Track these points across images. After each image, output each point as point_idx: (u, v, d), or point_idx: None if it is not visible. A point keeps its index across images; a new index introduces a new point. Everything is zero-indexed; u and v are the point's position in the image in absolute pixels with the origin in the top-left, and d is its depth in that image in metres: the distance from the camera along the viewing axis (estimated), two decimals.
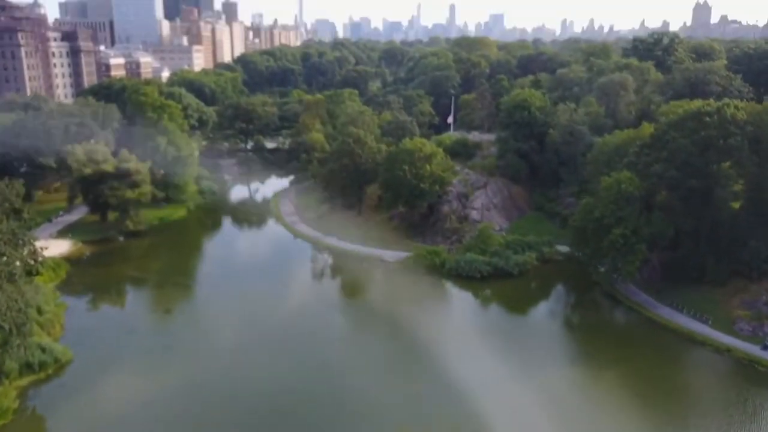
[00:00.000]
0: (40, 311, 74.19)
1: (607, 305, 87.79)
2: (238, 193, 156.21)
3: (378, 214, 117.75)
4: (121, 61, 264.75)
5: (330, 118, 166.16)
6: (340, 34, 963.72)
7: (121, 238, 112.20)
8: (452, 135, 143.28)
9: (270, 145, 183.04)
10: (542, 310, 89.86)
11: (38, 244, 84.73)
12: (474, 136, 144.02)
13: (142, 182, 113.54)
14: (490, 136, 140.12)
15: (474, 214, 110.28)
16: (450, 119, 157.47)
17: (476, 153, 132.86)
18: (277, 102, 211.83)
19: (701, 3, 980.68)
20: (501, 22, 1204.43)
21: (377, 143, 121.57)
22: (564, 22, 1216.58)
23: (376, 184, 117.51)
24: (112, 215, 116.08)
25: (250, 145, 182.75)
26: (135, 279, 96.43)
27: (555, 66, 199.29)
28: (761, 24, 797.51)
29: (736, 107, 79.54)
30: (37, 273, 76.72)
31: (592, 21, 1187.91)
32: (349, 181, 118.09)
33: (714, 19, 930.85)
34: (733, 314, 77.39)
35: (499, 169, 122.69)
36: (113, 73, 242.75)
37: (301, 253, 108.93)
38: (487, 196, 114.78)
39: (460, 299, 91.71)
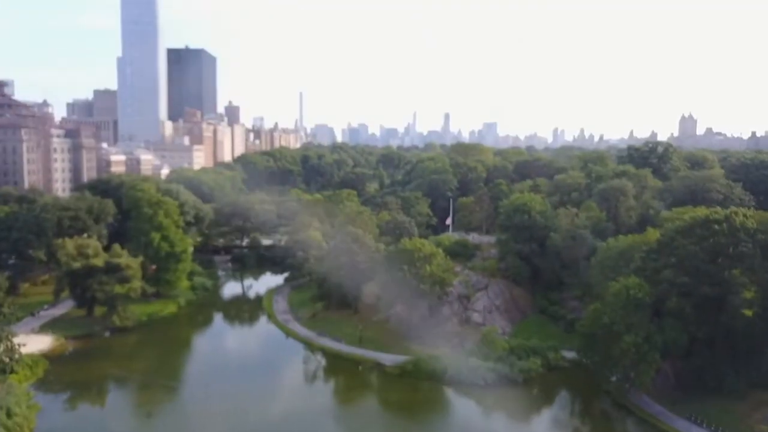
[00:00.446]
0: (9, 414, 68.59)
1: (619, 417, 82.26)
2: (231, 289, 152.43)
3: (375, 314, 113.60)
4: (121, 157, 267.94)
5: (328, 217, 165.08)
6: (339, 139, 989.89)
7: (107, 334, 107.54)
8: (451, 236, 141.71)
9: (266, 241, 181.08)
10: (549, 421, 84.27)
11: (17, 340, 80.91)
12: (473, 237, 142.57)
13: (132, 277, 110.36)
14: (489, 238, 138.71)
15: (476, 317, 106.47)
16: (449, 221, 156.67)
17: (476, 254, 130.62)
18: (276, 200, 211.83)
19: (686, 116, 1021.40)
20: (494, 129, 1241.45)
21: (376, 243, 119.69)
22: (555, 130, 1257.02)
23: (373, 283, 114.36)
24: (99, 310, 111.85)
25: (246, 241, 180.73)
26: (118, 378, 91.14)
27: (551, 172, 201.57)
28: (745, 137, 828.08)
29: (744, 215, 78.44)
30: (12, 371, 72.04)
31: (582, 130, 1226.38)
32: (346, 280, 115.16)
33: (699, 130, 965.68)
34: (756, 430, 72.35)
35: (500, 271, 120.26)
36: (113, 169, 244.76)
37: (293, 354, 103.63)
38: (488, 298, 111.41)
39: (463, 408, 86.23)
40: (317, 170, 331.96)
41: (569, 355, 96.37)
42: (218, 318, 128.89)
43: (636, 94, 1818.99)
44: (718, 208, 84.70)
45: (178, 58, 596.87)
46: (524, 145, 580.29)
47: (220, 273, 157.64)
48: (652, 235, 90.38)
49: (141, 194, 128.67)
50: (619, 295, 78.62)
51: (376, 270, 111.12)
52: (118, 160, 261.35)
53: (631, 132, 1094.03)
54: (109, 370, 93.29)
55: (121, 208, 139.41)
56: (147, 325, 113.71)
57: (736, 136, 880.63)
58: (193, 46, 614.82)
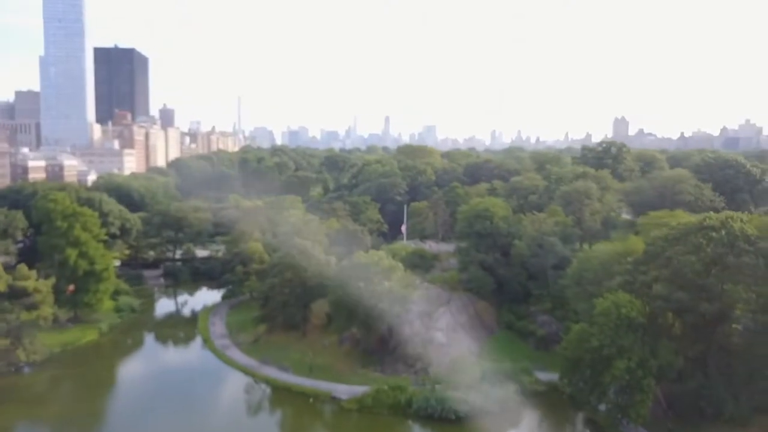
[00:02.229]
0: None
1: None
2: (162, 308, 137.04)
3: (326, 336, 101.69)
4: (41, 163, 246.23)
5: (270, 226, 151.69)
6: (278, 141, 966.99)
7: (13, 369, 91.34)
8: (407, 245, 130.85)
9: (202, 253, 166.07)
10: None
11: None
12: (430, 246, 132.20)
13: (41, 303, 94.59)
14: (447, 246, 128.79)
15: (439, 336, 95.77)
16: (403, 227, 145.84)
17: (434, 265, 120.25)
18: (213, 207, 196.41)
19: (619, 118, 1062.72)
20: (434, 132, 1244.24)
21: (325, 255, 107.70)
22: (493, 132, 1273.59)
23: (323, 302, 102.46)
24: (1, 343, 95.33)
25: (179, 254, 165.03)
26: (24, 429, 76.41)
27: (503, 174, 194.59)
28: (674, 137, 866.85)
29: (742, 220, 70.52)
30: None
31: (519, 132, 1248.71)
32: (293, 298, 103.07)
33: (632, 131, 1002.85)
34: None
35: (462, 283, 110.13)
36: (31, 176, 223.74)
37: (234, 388, 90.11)
38: (451, 315, 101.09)
39: None
40: (257, 174, 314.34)
41: (543, 376, 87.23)
42: (147, 345, 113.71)
43: (570, 97, 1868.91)
44: (712, 213, 76.60)
45: (107, 57, 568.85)
46: (464, 147, 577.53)
47: (150, 290, 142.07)
48: (637, 243, 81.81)
49: (53, 205, 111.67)
50: (608, 314, 69.28)
51: (326, 286, 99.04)
52: (36, 166, 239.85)
53: (567, 134, 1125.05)
54: (14, 418, 78.10)
55: (32, 222, 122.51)
56: (61, 357, 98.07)
57: (666, 136, 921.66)
58: (122, 45, 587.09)
